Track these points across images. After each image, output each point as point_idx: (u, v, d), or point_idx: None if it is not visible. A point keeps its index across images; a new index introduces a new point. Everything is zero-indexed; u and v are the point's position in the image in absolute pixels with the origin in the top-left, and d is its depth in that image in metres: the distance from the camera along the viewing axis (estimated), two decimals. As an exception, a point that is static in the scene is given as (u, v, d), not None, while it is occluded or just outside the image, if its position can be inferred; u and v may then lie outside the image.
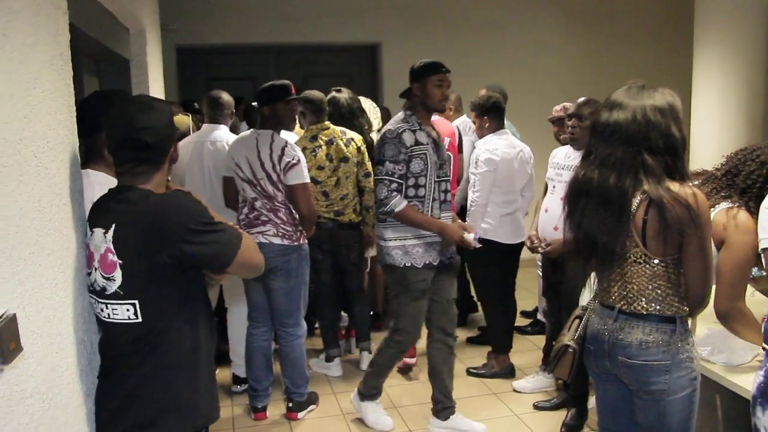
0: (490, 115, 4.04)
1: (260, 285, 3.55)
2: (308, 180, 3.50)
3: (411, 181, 3.20)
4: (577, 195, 2.08)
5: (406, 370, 4.30)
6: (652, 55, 6.83)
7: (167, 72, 5.15)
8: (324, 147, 4.00)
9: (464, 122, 4.88)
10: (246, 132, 3.69)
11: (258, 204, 3.46)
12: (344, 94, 4.32)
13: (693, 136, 5.27)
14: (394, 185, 3.15)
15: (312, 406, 3.85)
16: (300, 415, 3.76)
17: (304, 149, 3.83)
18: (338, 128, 4.07)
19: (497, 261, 4.05)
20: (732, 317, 2.17)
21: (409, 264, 3.22)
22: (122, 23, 3.77)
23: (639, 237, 1.96)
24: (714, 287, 2.21)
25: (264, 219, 3.46)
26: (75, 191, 1.80)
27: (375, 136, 4.28)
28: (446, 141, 4.88)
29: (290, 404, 3.77)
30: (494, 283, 4.13)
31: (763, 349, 1.96)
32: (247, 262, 1.85)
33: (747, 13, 5.00)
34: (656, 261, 1.97)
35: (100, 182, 1.99)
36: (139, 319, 1.74)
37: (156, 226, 1.70)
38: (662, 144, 1.94)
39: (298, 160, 3.42)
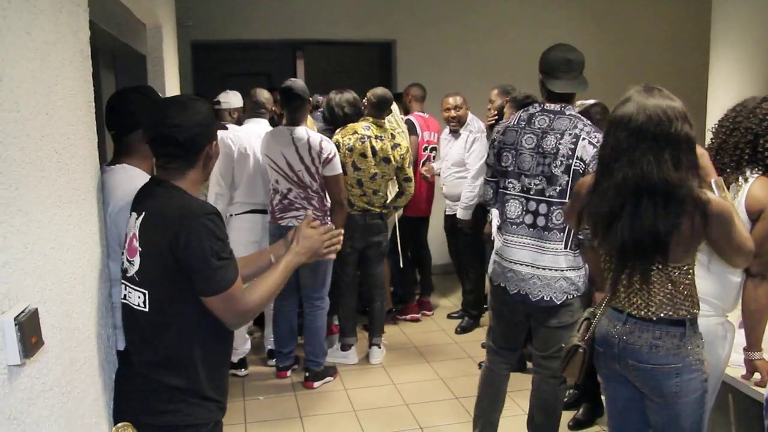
0: None
1: None
2: (341, 171, 3.89)
3: None
4: (635, 192, 1.94)
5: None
6: (667, 56, 6.78)
7: (182, 68, 5.17)
8: (374, 139, 4.16)
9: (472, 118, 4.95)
10: (278, 128, 3.98)
11: (292, 194, 3.86)
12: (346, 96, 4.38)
13: (709, 138, 5.22)
14: None
15: (329, 378, 4.12)
16: (316, 384, 4.04)
17: (354, 132, 4.13)
18: (390, 132, 4.27)
19: None
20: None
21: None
22: (139, 19, 3.79)
23: None
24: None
25: (297, 206, 3.86)
26: (93, 187, 1.82)
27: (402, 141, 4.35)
28: (435, 135, 5.18)
29: (307, 374, 4.06)
30: None
31: None
32: (225, 309, 1.75)
33: (765, 14, 4.95)
34: (670, 267, 1.96)
35: (131, 177, 2.01)
36: (146, 309, 1.78)
37: (170, 229, 1.72)
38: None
39: (335, 154, 3.83)
